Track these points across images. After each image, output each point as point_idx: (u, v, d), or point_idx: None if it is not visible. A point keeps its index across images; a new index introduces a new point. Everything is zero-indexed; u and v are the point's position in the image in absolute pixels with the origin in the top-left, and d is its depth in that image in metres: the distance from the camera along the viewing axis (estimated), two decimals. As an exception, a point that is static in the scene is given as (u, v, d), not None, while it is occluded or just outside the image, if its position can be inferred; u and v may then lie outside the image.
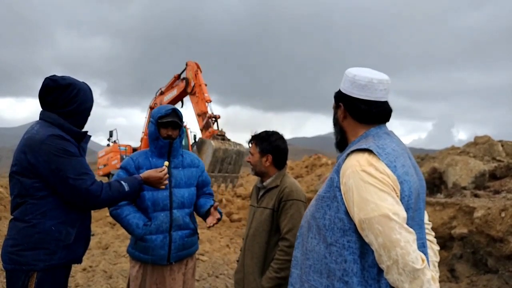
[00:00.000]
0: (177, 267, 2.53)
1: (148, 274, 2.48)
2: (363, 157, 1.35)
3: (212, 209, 2.56)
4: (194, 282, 2.70)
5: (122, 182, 2.05)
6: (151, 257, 2.44)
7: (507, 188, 6.29)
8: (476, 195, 6.16)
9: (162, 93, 11.26)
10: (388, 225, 1.23)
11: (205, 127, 9.43)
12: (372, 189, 1.28)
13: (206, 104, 9.39)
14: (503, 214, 4.69)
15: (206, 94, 9.54)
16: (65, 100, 1.96)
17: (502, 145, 9.02)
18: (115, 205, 2.37)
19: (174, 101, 10.75)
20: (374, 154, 1.34)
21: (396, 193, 1.31)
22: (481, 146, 8.91)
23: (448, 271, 5.17)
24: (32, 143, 1.87)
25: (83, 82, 2.09)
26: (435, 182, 7.39)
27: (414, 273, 1.21)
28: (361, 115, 1.48)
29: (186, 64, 10.38)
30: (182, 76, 10.51)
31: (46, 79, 1.97)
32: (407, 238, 1.23)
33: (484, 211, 4.93)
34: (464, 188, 6.73)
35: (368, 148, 1.36)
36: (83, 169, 1.90)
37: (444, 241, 5.35)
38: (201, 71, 9.96)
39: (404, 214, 1.28)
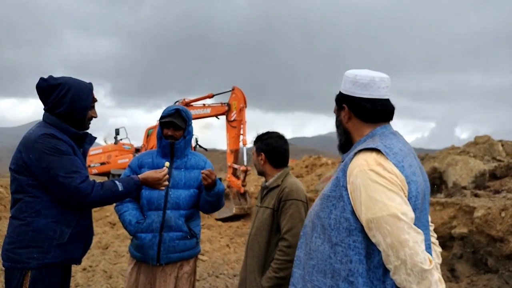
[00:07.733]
0: (170, 270, 2.45)
1: (142, 273, 2.46)
2: (371, 156, 1.34)
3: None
4: None
5: (117, 182, 2.04)
6: (142, 256, 2.43)
7: (507, 188, 6.29)
8: (476, 195, 6.16)
9: (187, 105, 10.65)
10: (397, 225, 1.22)
11: (233, 173, 9.83)
12: (380, 188, 1.27)
13: (241, 143, 9.56)
14: (503, 214, 4.69)
15: (245, 137, 9.68)
16: (55, 100, 1.96)
17: (502, 145, 9.02)
18: (110, 204, 2.36)
19: (201, 117, 10.63)
20: (382, 153, 1.33)
21: (404, 193, 1.30)
22: (481, 145, 8.91)
23: (448, 271, 5.17)
24: (26, 142, 1.91)
25: (82, 82, 2.06)
26: (435, 182, 7.38)
27: (422, 273, 1.20)
28: (366, 114, 1.47)
29: (233, 89, 10.18)
30: (223, 101, 10.42)
31: (40, 79, 1.98)
32: (415, 239, 1.22)
33: (484, 210, 4.92)
34: (464, 187, 6.73)
35: (376, 148, 1.35)
36: (74, 167, 1.90)
37: (444, 241, 5.34)
38: (246, 106, 9.94)
39: (412, 214, 1.27)
